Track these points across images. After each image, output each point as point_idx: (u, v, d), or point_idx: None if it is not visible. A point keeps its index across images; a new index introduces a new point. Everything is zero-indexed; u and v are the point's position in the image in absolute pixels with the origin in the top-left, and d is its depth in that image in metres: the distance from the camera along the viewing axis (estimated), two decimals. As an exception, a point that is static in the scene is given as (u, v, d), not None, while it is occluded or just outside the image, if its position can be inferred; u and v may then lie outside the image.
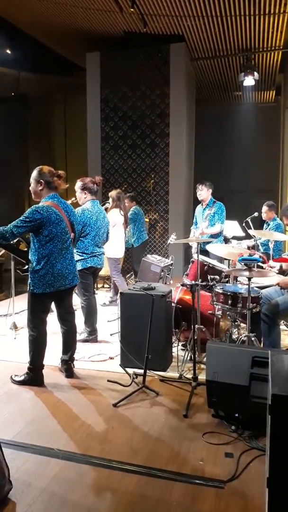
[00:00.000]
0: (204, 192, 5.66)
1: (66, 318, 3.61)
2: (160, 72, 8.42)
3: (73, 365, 3.66)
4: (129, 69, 8.60)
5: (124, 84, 8.68)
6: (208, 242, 5.03)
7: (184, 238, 5.75)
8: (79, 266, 4.33)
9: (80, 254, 4.34)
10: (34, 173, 3.36)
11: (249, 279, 3.31)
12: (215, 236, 5.49)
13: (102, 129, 8.95)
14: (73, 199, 4.63)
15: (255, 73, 8.56)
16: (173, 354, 3.99)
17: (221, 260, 5.43)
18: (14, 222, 3.16)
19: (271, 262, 3.60)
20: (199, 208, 5.84)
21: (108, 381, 3.45)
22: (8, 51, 8.92)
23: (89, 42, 8.62)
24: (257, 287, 3.87)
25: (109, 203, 5.95)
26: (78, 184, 4.44)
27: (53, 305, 3.61)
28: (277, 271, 3.63)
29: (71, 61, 9.76)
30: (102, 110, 8.90)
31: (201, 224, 5.59)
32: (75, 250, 4.34)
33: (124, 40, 8.38)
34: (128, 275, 7.34)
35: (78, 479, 2.30)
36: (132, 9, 6.61)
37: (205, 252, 5.30)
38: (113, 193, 5.89)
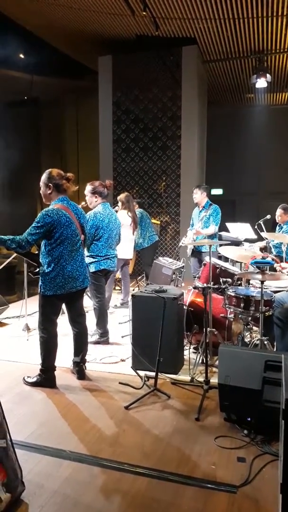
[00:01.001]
0: (198, 196, 5.78)
1: (77, 320, 3.63)
2: (172, 74, 8.44)
3: (85, 367, 3.67)
4: (141, 72, 8.63)
5: (136, 87, 8.71)
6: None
7: (188, 240, 5.78)
8: (92, 268, 4.35)
9: (94, 256, 4.36)
10: (43, 177, 3.39)
11: (262, 282, 3.28)
12: (209, 237, 5.53)
13: (114, 132, 9.00)
14: (83, 203, 4.64)
15: (268, 75, 8.52)
16: (184, 357, 3.98)
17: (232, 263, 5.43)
18: (28, 230, 3.20)
19: (283, 264, 3.57)
20: (195, 210, 5.96)
21: (120, 383, 3.46)
22: (22, 55, 9.04)
23: (101, 45, 8.68)
24: (270, 290, 3.84)
25: (118, 206, 5.99)
26: (88, 188, 4.45)
27: (64, 307, 3.63)
28: (290, 273, 3.60)
29: (83, 65, 9.84)
30: (114, 113, 8.94)
31: (196, 225, 5.67)
32: (87, 253, 4.37)
33: (136, 43, 8.42)
34: (140, 277, 7.34)
35: (90, 481, 2.30)
36: (144, 13, 6.63)
37: (200, 253, 5.56)
38: (122, 196, 6.01)
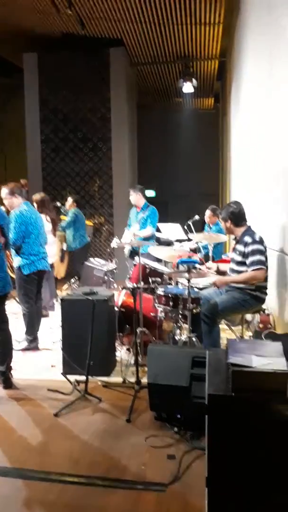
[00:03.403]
0: (133, 197, 5.72)
1: (0, 327, 3.44)
2: (100, 76, 8.40)
3: (11, 375, 3.49)
4: (68, 72, 8.47)
5: (64, 86, 8.53)
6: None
7: (122, 241, 5.73)
8: (26, 271, 4.15)
9: (27, 257, 4.17)
10: None
11: (189, 280, 3.35)
12: (148, 238, 5.55)
13: (41, 131, 8.74)
14: (2, 208, 4.43)
15: (194, 80, 8.79)
16: (117, 358, 3.95)
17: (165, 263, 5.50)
18: None
19: (208, 264, 3.68)
20: (133, 211, 5.91)
21: (48, 390, 3.34)
22: None
23: (27, 42, 8.40)
24: (197, 288, 3.94)
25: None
26: (5, 191, 4.22)
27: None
28: (215, 272, 3.71)
29: (10, 62, 9.46)
30: (41, 112, 8.69)
31: (134, 226, 5.65)
32: (16, 255, 4.18)
33: (62, 42, 8.26)
34: (73, 281, 7.20)
35: (14, 494, 2.18)
36: (69, 11, 6.53)
37: (136, 254, 5.39)
38: (37, 197, 5.47)
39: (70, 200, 6.92)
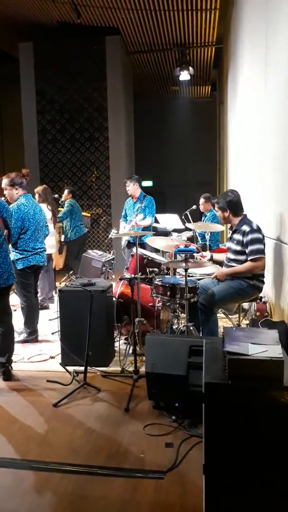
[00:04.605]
0: (131, 187, 5.64)
1: (3, 320, 3.45)
2: (97, 65, 8.31)
3: (11, 367, 3.52)
4: (64, 61, 8.39)
5: (60, 76, 8.46)
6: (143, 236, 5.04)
7: (119, 232, 5.70)
8: (19, 265, 4.16)
9: (21, 252, 4.17)
10: None
11: (186, 270, 3.35)
12: (146, 228, 5.51)
13: (38, 122, 8.68)
14: (3, 199, 4.42)
15: (190, 68, 8.71)
16: (115, 348, 3.97)
17: (162, 253, 5.49)
18: None
19: (204, 252, 3.67)
20: (129, 201, 5.83)
21: (48, 381, 3.35)
22: None
23: (22, 32, 8.29)
24: (195, 278, 3.94)
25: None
26: (5, 182, 4.20)
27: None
28: (209, 260, 3.70)
29: (6, 52, 9.34)
30: (38, 103, 8.62)
31: (131, 217, 5.58)
32: (12, 249, 4.17)
33: (58, 30, 8.16)
34: (71, 272, 7.20)
35: (15, 485, 2.21)
36: (64, -1, 6.44)
37: (137, 245, 5.34)
38: (39, 189, 5.78)
39: (66, 191, 6.91)
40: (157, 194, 5.74)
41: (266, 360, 1.79)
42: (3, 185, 4.23)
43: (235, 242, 3.47)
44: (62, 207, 6.90)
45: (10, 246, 4.24)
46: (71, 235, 6.65)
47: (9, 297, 3.59)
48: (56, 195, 7.35)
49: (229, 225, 3.81)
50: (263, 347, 1.89)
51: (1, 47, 9.21)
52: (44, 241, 4.48)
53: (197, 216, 7.05)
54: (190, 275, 3.92)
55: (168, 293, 3.67)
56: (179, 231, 6.41)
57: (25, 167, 8.77)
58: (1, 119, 11.47)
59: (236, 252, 3.46)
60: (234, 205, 3.50)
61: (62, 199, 6.89)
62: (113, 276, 5.42)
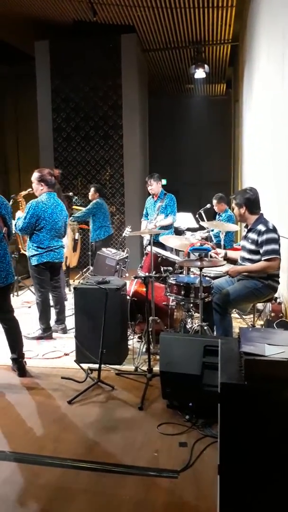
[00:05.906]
0: (154, 186, 5.56)
1: (5, 317, 3.45)
2: (112, 62, 8.32)
3: (25, 362, 3.54)
4: (80, 59, 8.42)
5: (75, 74, 8.50)
6: (160, 234, 5.03)
7: (137, 231, 5.67)
8: (34, 261, 4.20)
9: (35, 248, 4.21)
10: None
11: (201, 269, 3.34)
12: (166, 228, 5.47)
13: (53, 120, 8.74)
14: (29, 190, 4.56)
15: (206, 66, 8.65)
16: (129, 347, 3.98)
17: (176, 252, 5.47)
18: None
19: (218, 250, 3.65)
20: (150, 200, 5.77)
21: (62, 378, 3.38)
22: None
23: (38, 30, 8.34)
24: (209, 277, 3.93)
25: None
26: (35, 175, 4.29)
27: None
28: (223, 258, 3.67)
29: (22, 51, 9.42)
30: (53, 101, 8.68)
31: (152, 216, 5.53)
32: (28, 245, 4.22)
33: (74, 29, 8.19)
34: (85, 270, 7.24)
35: (31, 480, 2.23)
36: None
37: (159, 244, 5.24)
38: None
39: (92, 189, 6.77)
40: (171, 193, 5.69)
41: (283, 361, 1.77)
42: (32, 178, 4.30)
43: (250, 241, 3.45)
44: (77, 205, 6.90)
45: (28, 240, 4.30)
46: (96, 235, 6.58)
47: (10, 296, 3.60)
48: (70, 193, 7.38)
49: (243, 224, 3.78)
50: (279, 348, 1.87)
51: (17, 45, 9.28)
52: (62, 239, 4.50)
53: (211, 216, 7.01)
54: (204, 274, 3.91)
55: (182, 292, 3.67)
56: (193, 230, 6.38)
57: (40, 166, 8.88)
58: (17, 116, 11.56)
59: (251, 252, 3.43)
60: (251, 203, 3.46)
61: (90, 198, 6.79)
62: (127, 275, 5.43)
